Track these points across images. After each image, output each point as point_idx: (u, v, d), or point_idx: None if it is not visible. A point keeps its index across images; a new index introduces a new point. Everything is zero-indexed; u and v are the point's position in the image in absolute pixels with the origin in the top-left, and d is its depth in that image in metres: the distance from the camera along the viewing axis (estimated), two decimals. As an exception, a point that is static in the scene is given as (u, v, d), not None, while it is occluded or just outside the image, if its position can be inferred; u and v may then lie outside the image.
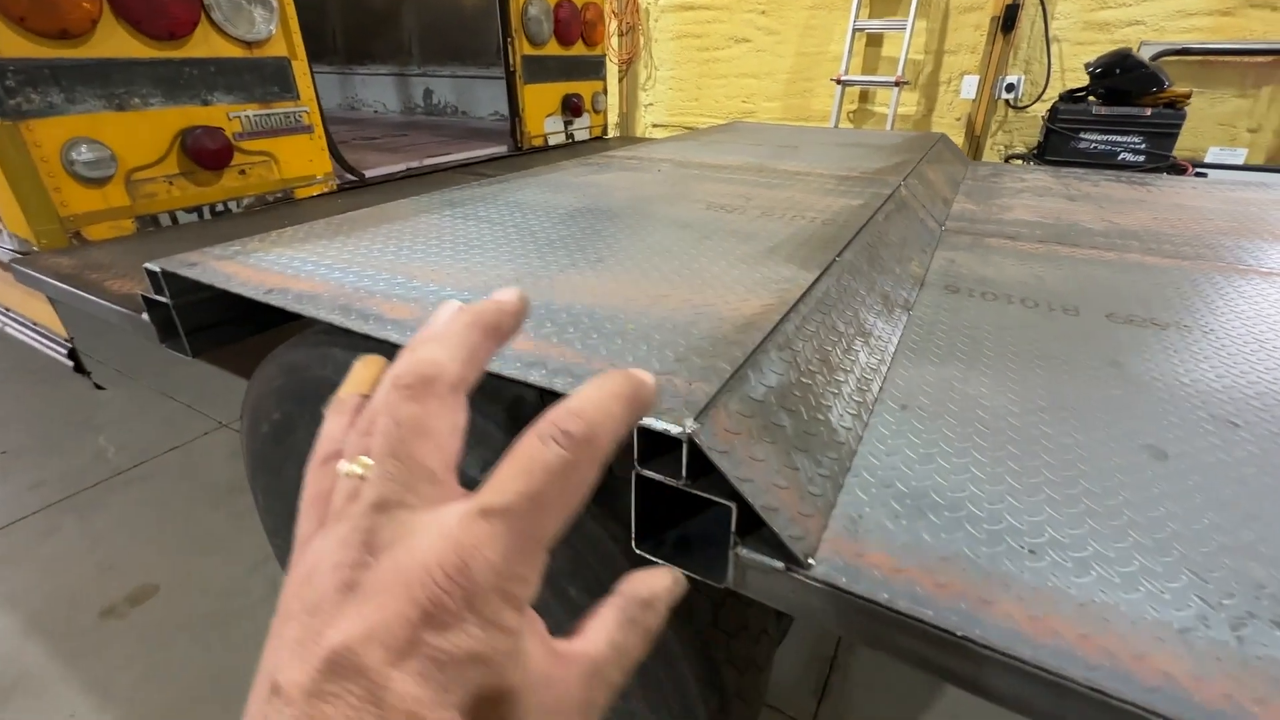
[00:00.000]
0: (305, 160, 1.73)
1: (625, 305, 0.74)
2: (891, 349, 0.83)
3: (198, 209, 1.53)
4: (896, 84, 3.42)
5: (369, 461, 0.24)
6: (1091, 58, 3.03)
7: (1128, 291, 1.05)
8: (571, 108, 2.68)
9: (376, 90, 3.84)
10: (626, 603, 0.27)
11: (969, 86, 3.38)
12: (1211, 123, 2.94)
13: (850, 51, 3.57)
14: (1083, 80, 3.06)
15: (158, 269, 0.87)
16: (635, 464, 0.52)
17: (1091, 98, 2.74)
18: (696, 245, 0.97)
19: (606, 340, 0.64)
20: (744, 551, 0.50)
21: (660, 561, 0.56)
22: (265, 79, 1.58)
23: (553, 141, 2.69)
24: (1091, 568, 0.49)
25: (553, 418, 0.24)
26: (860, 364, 0.74)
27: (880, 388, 0.74)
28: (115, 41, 1.30)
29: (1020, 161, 3.05)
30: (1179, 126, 2.54)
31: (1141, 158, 2.61)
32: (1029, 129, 3.40)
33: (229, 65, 1.50)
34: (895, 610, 0.45)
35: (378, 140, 2.71)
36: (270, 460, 0.97)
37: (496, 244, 0.98)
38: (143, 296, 0.93)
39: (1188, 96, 2.57)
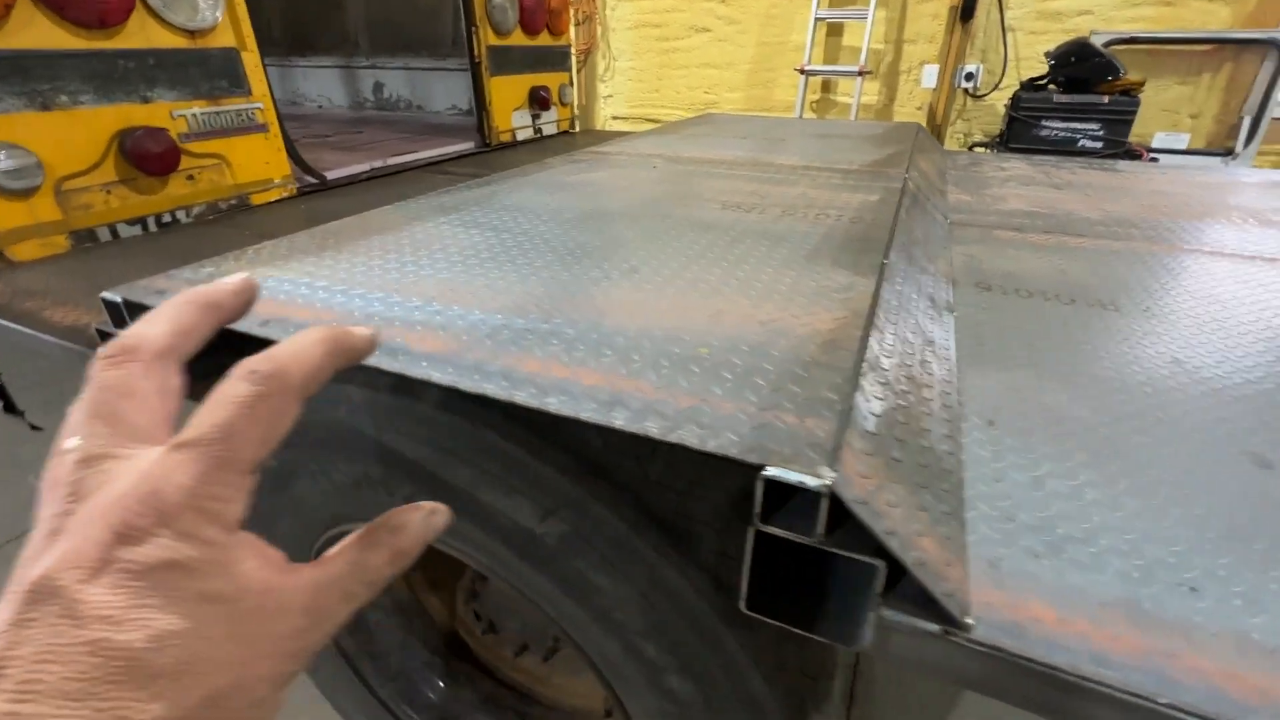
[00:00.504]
0: (261, 162, 1.57)
1: (683, 324, 0.66)
2: (954, 357, 0.78)
3: (141, 221, 1.36)
4: (860, 73, 3.43)
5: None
6: (1045, 47, 3.10)
7: (1153, 283, 1.05)
8: (539, 101, 2.56)
9: (320, 84, 3.60)
10: (374, 527, 0.30)
11: (929, 76, 3.43)
12: (1157, 109, 3.07)
13: (812, 41, 3.56)
14: (1036, 69, 3.14)
15: (118, 298, 0.74)
16: (755, 520, 0.45)
17: (1052, 86, 2.81)
18: (729, 250, 0.90)
19: (681, 369, 0.57)
20: (889, 614, 0.44)
21: (775, 623, 0.49)
22: (212, 72, 1.41)
23: (521, 137, 2.57)
24: (1257, 605, 0.45)
25: (245, 362, 0.27)
26: (937, 378, 0.69)
27: (959, 403, 0.69)
28: (35, 31, 1.13)
29: (985, 150, 3.11)
30: (1134, 113, 2.63)
31: (1100, 144, 2.69)
32: (987, 117, 3.47)
33: (170, 57, 1.33)
34: (1079, 675, 0.40)
35: (331, 138, 2.52)
36: (262, 514, 0.85)
37: (510, 255, 0.88)
38: (97, 330, 0.80)
39: (1141, 84, 2.66)
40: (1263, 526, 0.52)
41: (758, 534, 0.45)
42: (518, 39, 2.41)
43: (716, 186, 1.29)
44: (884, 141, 1.94)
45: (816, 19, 3.48)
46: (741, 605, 0.49)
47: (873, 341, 0.63)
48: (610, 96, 4.49)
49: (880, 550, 0.43)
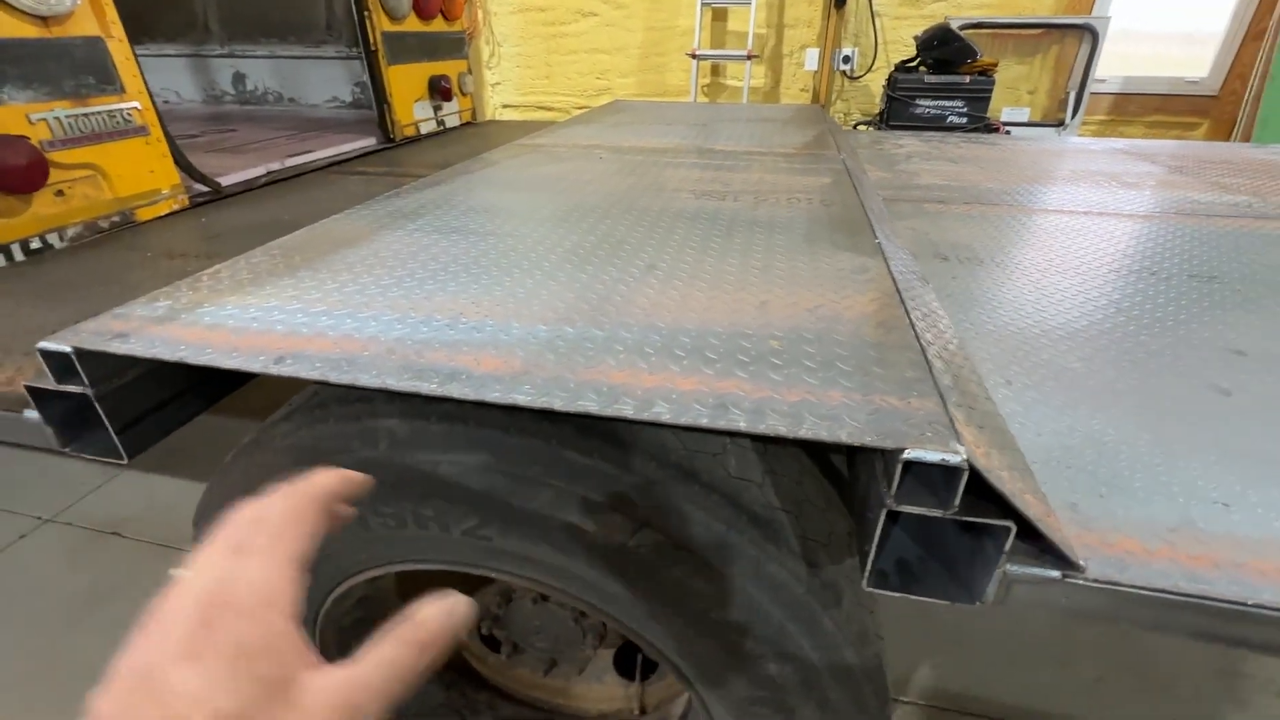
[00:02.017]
0: (144, 171, 1.36)
1: (735, 318, 0.67)
2: (950, 324, 0.85)
3: (4, 249, 1.13)
4: (747, 57, 3.56)
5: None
6: (909, 31, 3.39)
7: (1075, 245, 1.19)
8: (440, 91, 2.41)
9: (165, 75, 3.13)
10: (397, 624, 0.31)
11: (811, 59, 3.63)
12: (1002, 87, 3.47)
13: (700, 26, 3.64)
14: (904, 52, 3.44)
15: (68, 348, 0.61)
16: (889, 500, 0.47)
17: (922, 68, 3.08)
18: (730, 239, 0.92)
19: (765, 364, 0.57)
20: (1014, 569, 0.48)
21: (897, 594, 0.52)
22: (76, 67, 1.19)
23: (424, 130, 2.41)
24: (1275, 511, 0.54)
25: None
26: (953, 346, 0.75)
27: (975, 367, 0.75)
28: None
29: (868, 127, 3.36)
30: (991, 91, 2.97)
31: (965, 119, 3.00)
32: (861, 97, 3.75)
33: (19, 49, 1.10)
34: (1182, 594, 0.46)
35: (200, 139, 2.21)
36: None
37: (511, 260, 0.83)
38: (28, 387, 0.66)
39: (995, 65, 3.00)
40: (1249, 445, 0.62)
41: (890, 514, 0.47)
42: (413, 24, 2.24)
43: (677, 176, 1.30)
44: (799, 124, 2.04)
45: (703, 4, 3.55)
46: (865, 584, 0.52)
47: (914, 318, 0.67)
48: (499, 84, 4.31)
49: (1004, 510, 0.47)
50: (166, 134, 1.39)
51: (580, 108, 4.17)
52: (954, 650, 1.42)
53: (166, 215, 1.41)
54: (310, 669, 0.27)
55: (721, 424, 0.49)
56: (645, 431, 0.61)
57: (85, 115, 1.21)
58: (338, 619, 0.85)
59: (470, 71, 2.67)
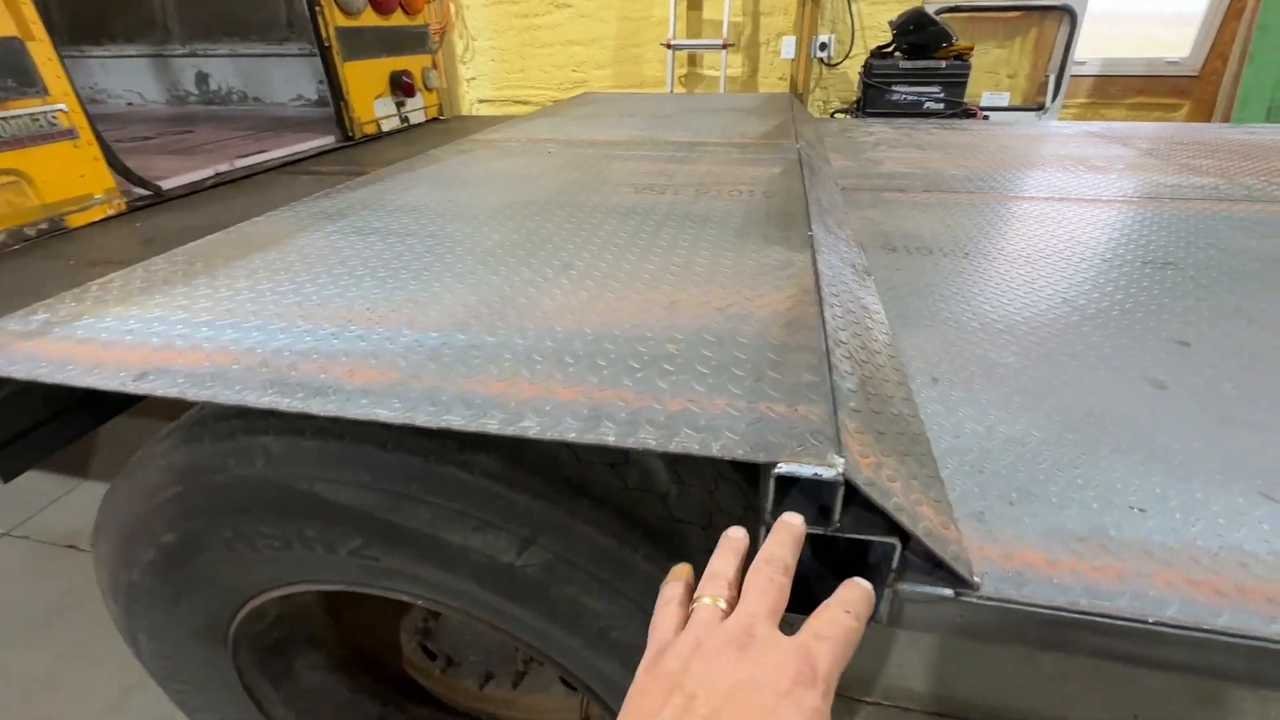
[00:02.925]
0: (74, 176, 1.31)
1: (640, 320, 0.63)
2: (885, 320, 0.81)
3: (-82, 260, 1.08)
4: (723, 46, 3.50)
5: (723, 600, 0.37)
6: (885, 16, 3.34)
7: (1027, 232, 1.16)
8: (403, 87, 2.35)
9: (125, 76, 3.07)
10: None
11: (788, 46, 3.57)
12: (981, 71, 3.42)
13: (674, 15, 3.58)
14: (881, 37, 3.38)
15: (-75, 368, 0.58)
16: (767, 517, 0.44)
17: (897, 53, 3.03)
18: (658, 235, 0.88)
19: (655, 370, 0.54)
20: (905, 586, 0.45)
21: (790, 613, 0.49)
22: (-9, 69, 1.15)
23: (387, 127, 2.36)
24: (1192, 515, 0.51)
25: (851, 600, 0.38)
26: (882, 344, 0.71)
27: (904, 365, 0.72)
28: None
29: (845, 115, 3.31)
30: (967, 76, 2.92)
31: (942, 105, 2.96)
32: (840, 85, 3.69)
33: (-73, 51, 1.06)
34: (1080, 612, 0.43)
35: (154, 140, 2.16)
36: (160, 594, 0.72)
37: (424, 262, 0.80)
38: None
39: (971, 49, 2.95)
40: (1173, 442, 0.59)
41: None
42: (370, 19, 2.19)
43: (623, 169, 1.26)
44: (764, 113, 2.00)
45: (676, -7, 3.50)
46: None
47: (827, 316, 0.64)
48: (474, 79, 4.25)
49: (891, 527, 0.43)
50: (98, 136, 1.34)
51: (557, 101, 4.11)
52: (913, 648, 1.39)
53: (101, 221, 1.36)
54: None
55: (589, 438, 0.45)
56: (535, 444, 0.57)
57: (3, 119, 1.17)
58: (255, 638, 0.82)
59: (435, 66, 2.62)
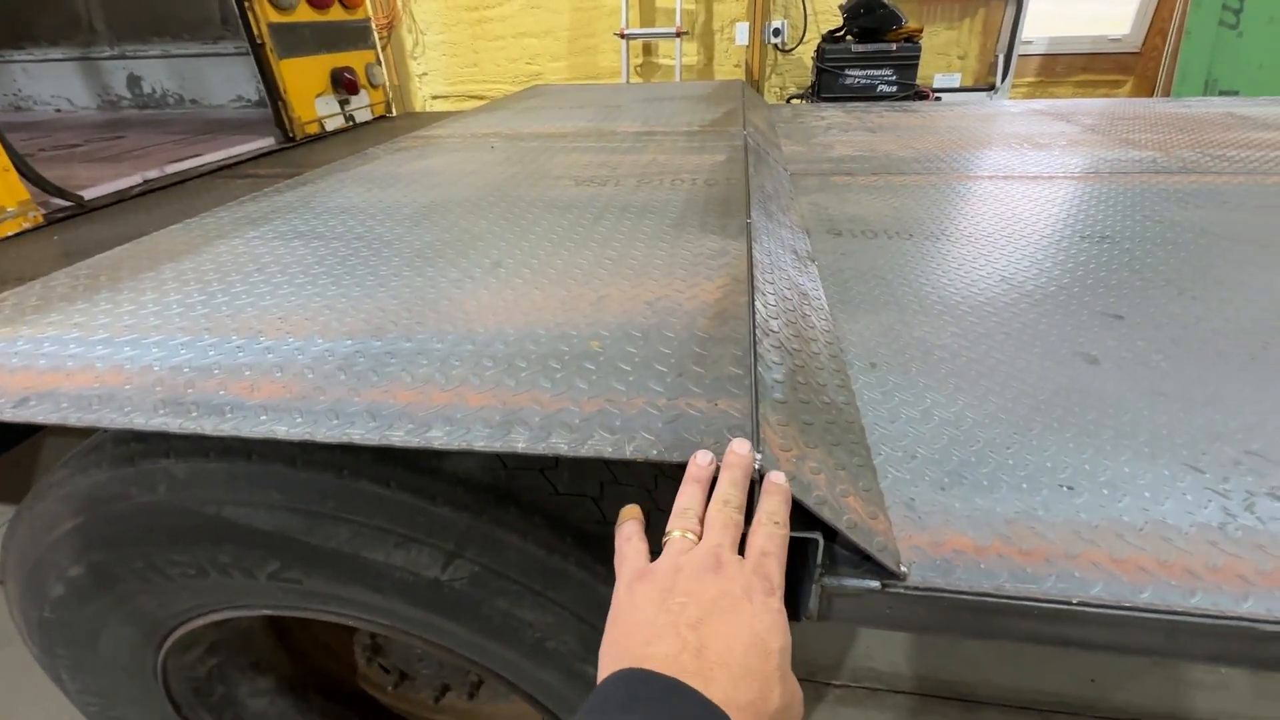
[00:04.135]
0: (-19, 188, 1.23)
1: (566, 318, 0.61)
2: (826, 306, 0.81)
3: None
4: (678, 34, 3.47)
5: (692, 534, 0.41)
6: (836, 0, 3.35)
7: (970, 211, 1.16)
8: (345, 84, 2.27)
9: (51, 82, 2.92)
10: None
11: (742, 33, 3.56)
12: (933, 53, 3.45)
13: (627, 4, 3.53)
14: (833, 21, 3.39)
15: None
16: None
17: (849, 37, 3.04)
18: (594, 228, 0.86)
19: (576, 370, 0.52)
20: (830, 581, 0.43)
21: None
22: (-124, 76, 1.06)
23: (330, 127, 2.28)
24: (1119, 490, 0.50)
25: (770, 514, 0.41)
26: (819, 330, 0.70)
27: (842, 350, 0.71)
28: None
29: (801, 100, 3.31)
30: (918, 58, 2.94)
31: (894, 88, 2.98)
32: (796, 70, 3.69)
33: None
34: (1005, 597, 0.42)
35: (81, 148, 2.05)
36: (76, 630, 0.68)
37: (347, 266, 0.76)
38: None
39: (920, 31, 2.97)
40: (1103, 417, 0.59)
41: (692, 533, 0.43)
42: (305, 14, 2.10)
43: (565, 162, 1.23)
44: (715, 100, 1.98)
45: (627, -19, 3.45)
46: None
47: (758, 305, 0.62)
48: (425, 74, 4.14)
49: (812, 521, 0.42)
50: (6, 146, 1.26)
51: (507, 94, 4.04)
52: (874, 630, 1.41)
53: (14, 236, 1.28)
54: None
55: (498, 446, 0.43)
56: (454, 454, 0.55)
57: (-104, 129, 1.09)
58: (187, 669, 0.78)
59: (380, 62, 2.54)
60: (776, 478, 0.42)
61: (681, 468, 0.43)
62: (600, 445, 0.42)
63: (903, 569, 0.43)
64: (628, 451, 0.41)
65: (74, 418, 0.49)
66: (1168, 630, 0.41)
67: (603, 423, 0.45)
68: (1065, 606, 0.41)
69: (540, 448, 0.42)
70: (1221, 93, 2.90)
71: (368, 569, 0.53)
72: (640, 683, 0.33)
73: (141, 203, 1.53)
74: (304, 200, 1.05)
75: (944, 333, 0.75)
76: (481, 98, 4.14)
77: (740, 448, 0.43)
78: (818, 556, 0.42)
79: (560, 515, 0.55)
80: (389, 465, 0.53)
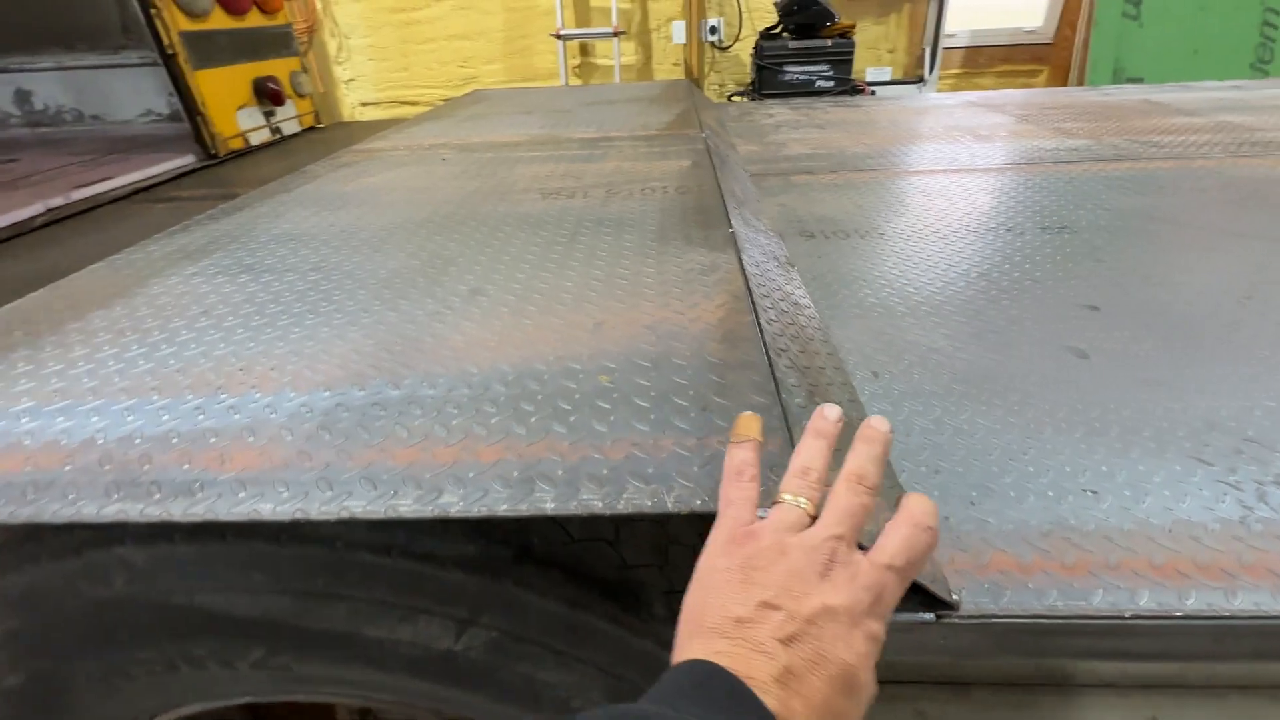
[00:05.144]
0: None
1: (565, 349, 0.57)
2: (817, 315, 0.79)
3: None
4: (615, 34, 3.43)
5: (808, 503, 0.36)
6: (769, -2, 3.39)
7: (932, 206, 1.18)
8: (269, 94, 2.13)
9: (-76, 100, 2.61)
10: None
11: (678, 32, 3.55)
12: (864, 48, 3.54)
13: (561, 4, 3.47)
14: (766, 19, 3.43)
15: None
16: (736, 570, 0.39)
17: (785, 34, 3.08)
18: (573, 246, 0.81)
19: (590, 410, 0.48)
20: (885, 618, 0.41)
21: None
22: None
23: (256, 140, 2.13)
24: (1139, 490, 0.51)
25: (920, 514, 0.36)
26: (818, 342, 0.69)
27: (841, 361, 0.70)
28: None
29: (742, 98, 3.34)
30: (852, 53, 3.01)
31: (831, 83, 3.04)
32: (734, 68, 3.72)
33: None
34: (1059, 616, 0.41)
35: (-33, 174, 1.84)
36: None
37: (308, 302, 0.70)
38: None
39: (853, 27, 3.04)
40: (1106, 414, 0.60)
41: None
42: (220, 21, 1.95)
43: (526, 173, 1.18)
44: (664, 101, 1.96)
45: (560, -20, 3.39)
46: (729, 657, 0.44)
47: (764, 324, 0.60)
48: (352, 81, 3.95)
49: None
50: (-121, 178, 1.11)
51: (447, 100, 3.90)
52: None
53: (-104, 280, 1.13)
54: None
55: (524, 508, 0.39)
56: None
57: None
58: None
59: (305, 70, 2.40)
60: (920, 497, 0.37)
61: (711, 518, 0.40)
62: (638, 499, 0.39)
63: (954, 597, 0.42)
64: (669, 504, 0.38)
65: (4, 513, 0.41)
66: (1214, 635, 0.41)
67: (634, 470, 0.41)
68: (1119, 621, 0.41)
69: (572, 506, 0.38)
70: (1128, 79, 3.11)
71: (369, 646, 0.48)
72: (714, 680, 0.29)
73: (47, 235, 1.37)
74: (244, 228, 0.96)
75: (935, 335, 0.75)
76: (414, 103, 3.98)
77: (880, 424, 0.39)
78: (873, 595, 0.40)
79: (577, 565, 0.51)
80: (387, 531, 0.47)
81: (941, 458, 0.55)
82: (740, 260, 0.73)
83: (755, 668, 0.29)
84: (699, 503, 0.38)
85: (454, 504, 0.39)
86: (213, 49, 1.92)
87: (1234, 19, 2.92)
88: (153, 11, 1.71)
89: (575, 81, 3.81)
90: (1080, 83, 3.33)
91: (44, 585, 0.49)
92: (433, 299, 0.69)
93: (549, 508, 0.38)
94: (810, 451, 0.39)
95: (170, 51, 1.77)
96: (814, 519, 0.36)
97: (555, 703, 0.52)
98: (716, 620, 0.32)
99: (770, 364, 0.53)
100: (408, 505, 0.39)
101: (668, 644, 0.53)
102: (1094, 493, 0.51)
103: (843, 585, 0.33)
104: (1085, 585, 0.43)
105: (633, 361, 0.54)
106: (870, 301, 0.84)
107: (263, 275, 0.78)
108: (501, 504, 0.39)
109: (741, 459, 0.38)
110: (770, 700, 0.28)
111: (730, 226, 0.84)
